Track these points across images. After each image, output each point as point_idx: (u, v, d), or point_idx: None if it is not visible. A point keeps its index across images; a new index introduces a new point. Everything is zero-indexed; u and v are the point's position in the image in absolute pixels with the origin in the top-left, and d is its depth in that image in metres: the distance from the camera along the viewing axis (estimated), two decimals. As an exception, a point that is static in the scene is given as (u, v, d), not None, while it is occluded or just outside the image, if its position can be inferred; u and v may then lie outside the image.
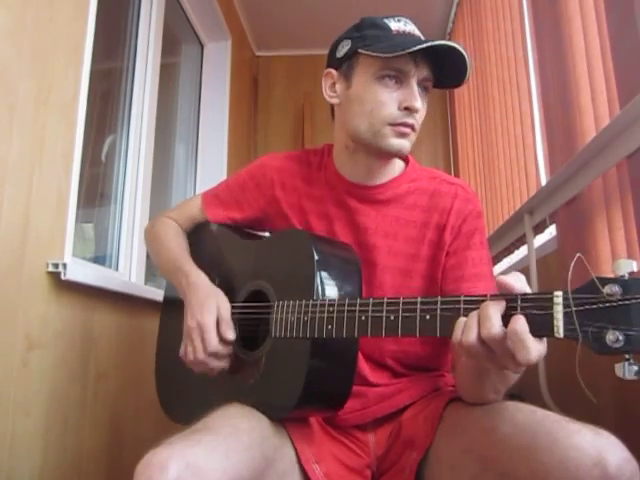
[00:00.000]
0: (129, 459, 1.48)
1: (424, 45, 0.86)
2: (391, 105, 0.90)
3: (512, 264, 2.10)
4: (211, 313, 0.90)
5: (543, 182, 1.75)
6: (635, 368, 0.55)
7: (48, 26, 1.24)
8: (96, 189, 1.85)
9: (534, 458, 0.66)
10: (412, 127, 0.91)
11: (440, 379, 1.01)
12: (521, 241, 1.90)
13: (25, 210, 1.15)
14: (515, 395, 0.81)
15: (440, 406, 0.89)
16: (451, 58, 0.89)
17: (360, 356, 0.94)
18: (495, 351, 0.61)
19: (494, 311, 0.61)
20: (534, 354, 0.58)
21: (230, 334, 0.89)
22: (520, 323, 0.59)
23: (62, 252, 1.27)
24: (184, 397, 1.05)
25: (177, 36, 2.67)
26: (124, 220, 1.85)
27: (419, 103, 0.90)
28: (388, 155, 0.95)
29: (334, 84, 0.97)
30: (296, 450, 0.85)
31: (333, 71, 0.97)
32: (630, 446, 0.63)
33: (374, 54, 0.89)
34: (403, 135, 0.91)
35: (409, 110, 0.90)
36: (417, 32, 0.95)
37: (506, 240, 2.03)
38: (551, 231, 1.68)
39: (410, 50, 0.86)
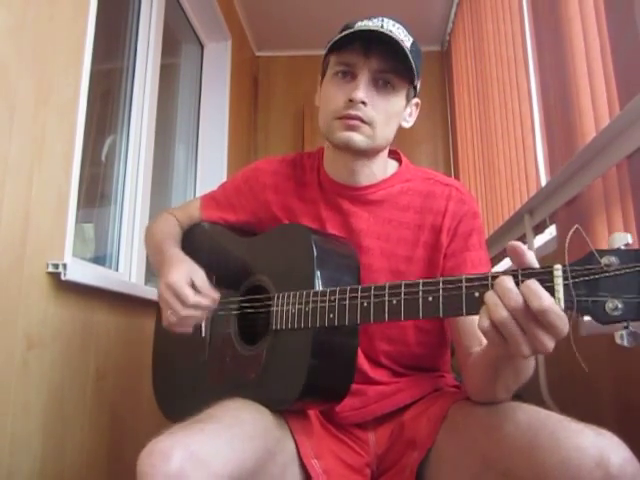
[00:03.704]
0: (129, 458, 1.47)
1: (348, 32, 0.89)
2: (339, 99, 0.91)
3: (512, 264, 2.10)
4: (180, 272, 0.89)
5: (543, 182, 1.75)
6: (634, 335, 0.57)
7: (48, 26, 1.24)
8: (96, 189, 1.85)
9: (536, 458, 0.66)
10: (360, 119, 0.90)
11: (440, 379, 1.01)
12: (521, 241, 1.89)
13: (25, 210, 1.15)
14: (515, 395, 0.81)
15: (444, 407, 0.88)
16: (396, 48, 0.88)
17: (360, 353, 0.94)
18: (520, 322, 0.60)
19: (513, 283, 0.61)
20: (546, 300, 0.58)
21: (212, 292, 0.90)
22: (531, 280, 0.60)
23: (62, 252, 1.27)
24: (183, 396, 1.05)
25: (177, 36, 2.67)
26: (124, 220, 1.85)
27: (360, 94, 0.89)
28: (343, 149, 0.94)
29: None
30: (296, 444, 0.85)
31: (319, 77, 1.01)
32: (632, 446, 0.63)
33: (326, 50, 0.93)
34: (350, 128, 0.90)
35: (352, 102, 0.90)
36: (386, 28, 0.91)
37: (506, 240, 2.02)
38: (551, 231, 1.68)
39: (338, 37, 0.89)
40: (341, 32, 0.92)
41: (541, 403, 1.48)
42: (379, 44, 0.88)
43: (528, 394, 0.98)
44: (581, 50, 1.37)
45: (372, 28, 0.89)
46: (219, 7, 2.63)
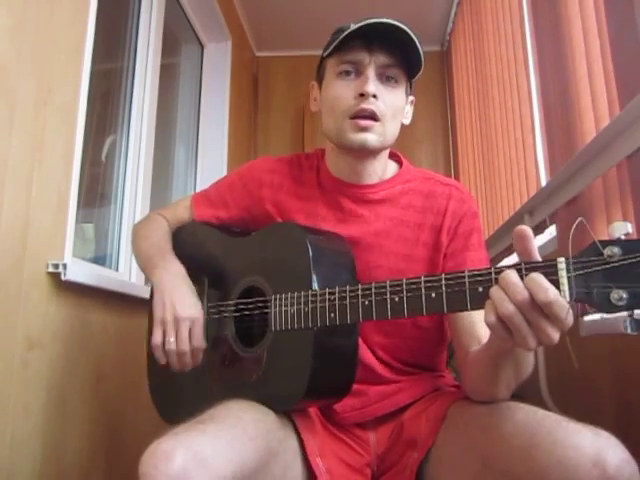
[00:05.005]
0: (129, 458, 1.48)
1: (356, 26, 0.88)
2: (348, 96, 0.91)
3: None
4: (200, 311, 0.94)
5: (543, 182, 1.75)
6: (638, 323, 0.58)
7: (48, 26, 1.24)
8: (96, 189, 1.85)
9: (533, 457, 0.66)
10: (372, 115, 0.90)
11: (440, 379, 1.02)
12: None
13: (25, 210, 1.15)
14: (515, 395, 0.81)
15: (443, 407, 0.88)
16: (405, 40, 0.89)
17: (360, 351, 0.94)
18: (526, 315, 0.61)
19: (517, 277, 0.62)
20: (552, 292, 0.59)
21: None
22: (536, 273, 0.61)
23: (62, 252, 1.27)
24: (182, 399, 1.04)
25: (177, 36, 2.67)
26: (124, 220, 1.86)
27: (372, 87, 0.89)
28: (355, 152, 0.94)
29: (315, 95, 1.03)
30: (302, 442, 0.85)
31: (314, 83, 1.02)
32: (630, 447, 0.63)
33: (325, 53, 0.94)
34: (363, 129, 0.90)
35: (363, 96, 0.89)
36: (387, 23, 0.91)
37: (506, 240, 2.03)
38: (551, 231, 1.68)
39: (346, 33, 0.88)
40: (334, 34, 0.93)
41: (541, 403, 1.48)
42: (381, 39, 0.89)
43: (528, 394, 0.98)
44: (581, 50, 1.37)
45: (371, 22, 0.89)
46: (219, 7, 2.63)
